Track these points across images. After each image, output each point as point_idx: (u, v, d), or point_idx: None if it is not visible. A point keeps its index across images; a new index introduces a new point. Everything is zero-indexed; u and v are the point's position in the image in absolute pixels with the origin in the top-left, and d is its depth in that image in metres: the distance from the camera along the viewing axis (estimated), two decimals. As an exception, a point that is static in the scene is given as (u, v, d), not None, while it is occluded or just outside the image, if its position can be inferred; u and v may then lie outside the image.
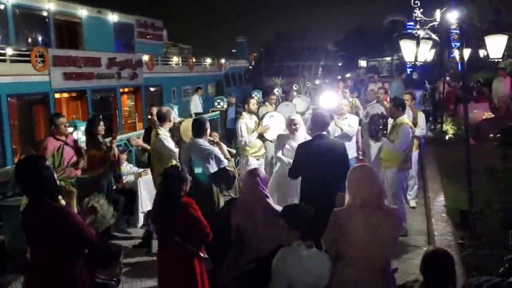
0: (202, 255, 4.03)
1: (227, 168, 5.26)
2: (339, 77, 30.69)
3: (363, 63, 48.33)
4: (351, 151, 7.44)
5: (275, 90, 16.19)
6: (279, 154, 6.25)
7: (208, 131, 5.43)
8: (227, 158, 5.48)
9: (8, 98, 13.33)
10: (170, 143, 6.27)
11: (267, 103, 10.69)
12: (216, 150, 5.26)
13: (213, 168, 5.07)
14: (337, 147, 5.24)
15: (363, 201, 3.28)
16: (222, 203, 5.23)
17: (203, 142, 5.24)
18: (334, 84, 15.63)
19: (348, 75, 35.75)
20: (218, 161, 5.13)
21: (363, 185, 3.33)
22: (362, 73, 35.40)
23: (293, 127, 6.29)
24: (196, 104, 18.72)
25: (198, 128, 5.35)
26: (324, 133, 5.32)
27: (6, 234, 6.04)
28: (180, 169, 4.21)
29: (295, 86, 19.54)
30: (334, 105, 7.95)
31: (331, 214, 3.42)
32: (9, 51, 13.67)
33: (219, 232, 3.77)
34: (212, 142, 5.62)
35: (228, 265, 3.69)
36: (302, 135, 6.31)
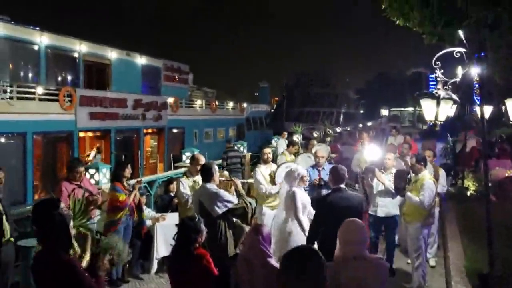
0: None
1: (238, 205, 5.28)
2: (361, 125, 30.74)
3: (385, 112, 48.41)
4: (395, 208, 7.16)
5: (295, 137, 16.24)
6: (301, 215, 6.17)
7: (216, 175, 5.53)
8: (241, 194, 5.53)
9: (34, 136, 13.65)
10: (186, 189, 6.38)
11: (285, 152, 10.46)
12: (222, 192, 5.33)
13: (221, 210, 5.17)
14: (353, 200, 5.35)
15: (346, 253, 3.43)
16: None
17: (210, 186, 5.40)
18: (356, 132, 15.60)
19: (369, 123, 35.84)
20: (226, 202, 5.23)
21: (349, 238, 3.48)
22: (384, 122, 35.44)
23: (304, 178, 6.37)
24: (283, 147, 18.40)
25: (205, 173, 5.52)
26: (342, 186, 5.44)
27: (22, 275, 6.06)
28: (197, 219, 4.22)
29: (316, 133, 19.60)
30: (378, 158, 7.82)
31: None
32: (39, 90, 14.12)
33: (219, 284, 3.76)
34: (226, 181, 5.76)
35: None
36: (302, 190, 6.38)
